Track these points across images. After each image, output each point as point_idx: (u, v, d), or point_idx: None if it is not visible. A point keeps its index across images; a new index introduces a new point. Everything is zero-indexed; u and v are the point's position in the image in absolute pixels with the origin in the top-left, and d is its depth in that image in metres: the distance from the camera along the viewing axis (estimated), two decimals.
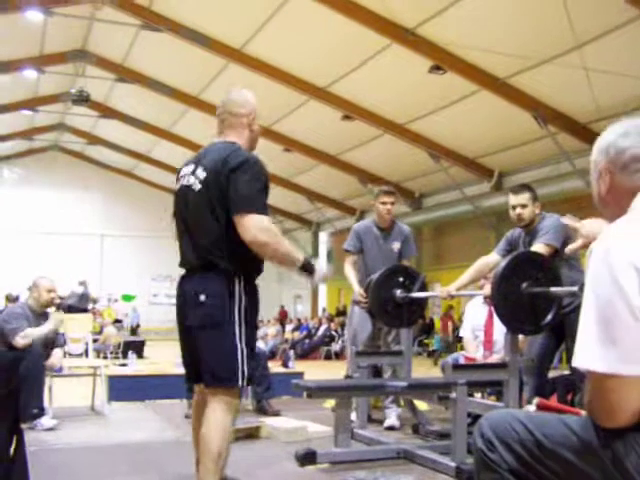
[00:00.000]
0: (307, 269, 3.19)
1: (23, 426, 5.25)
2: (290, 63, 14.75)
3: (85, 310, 19.06)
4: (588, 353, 1.51)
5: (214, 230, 3.07)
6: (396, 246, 5.70)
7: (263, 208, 3.04)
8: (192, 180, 3.17)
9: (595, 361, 1.49)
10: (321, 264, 3.28)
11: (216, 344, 3.04)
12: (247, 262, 3.12)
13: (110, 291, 26.40)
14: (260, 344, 7.91)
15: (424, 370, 7.86)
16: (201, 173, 3.15)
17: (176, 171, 3.39)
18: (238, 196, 3.01)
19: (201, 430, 3.01)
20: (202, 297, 3.04)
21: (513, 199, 4.72)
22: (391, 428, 5.38)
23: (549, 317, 3.88)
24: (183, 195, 3.23)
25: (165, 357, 12.08)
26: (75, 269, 25.33)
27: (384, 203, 5.65)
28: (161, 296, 28.47)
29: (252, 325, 3.16)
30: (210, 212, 3.07)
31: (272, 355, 16.58)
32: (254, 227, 2.98)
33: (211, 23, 14.14)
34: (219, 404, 3.01)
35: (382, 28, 12.06)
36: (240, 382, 3.03)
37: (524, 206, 4.66)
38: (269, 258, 3.09)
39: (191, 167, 3.22)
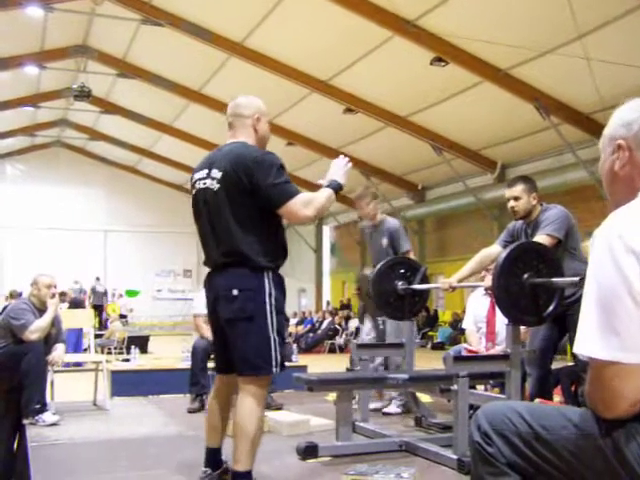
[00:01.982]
0: (338, 189, 3.42)
1: (25, 422, 5.24)
2: (291, 56, 14.71)
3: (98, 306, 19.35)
4: (589, 340, 1.49)
5: (237, 228, 3.22)
6: (384, 242, 5.74)
7: (295, 190, 3.26)
8: (209, 182, 3.30)
9: (596, 348, 1.48)
10: (334, 169, 3.51)
11: (250, 335, 3.22)
12: (272, 255, 3.31)
13: (114, 286, 26.46)
14: None
15: (426, 362, 7.86)
16: (217, 174, 3.28)
17: (190, 178, 3.53)
18: (273, 191, 3.21)
19: (235, 417, 3.20)
20: (235, 292, 3.22)
21: (507, 192, 4.74)
22: (388, 414, 5.54)
23: (551, 308, 3.84)
24: (202, 198, 3.36)
25: (169, 352, 12.09)
26: (79, 265, 25.40)
27: (359, 207, 5.86)
28: (165, 291, 28.53)
29: (282, 314, 3.33)
30: (230, 210, 3.23)
31: None
32: (299, 210, 3.22)
33: (212, 17, 14.10)
34: (251, 391, 3.20)
35: (383, 20, 12.02)
36: (274, 369, 3.24)
37: (517, 198, 4.65)
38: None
39: (205, 171, 3.35)
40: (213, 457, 3.49)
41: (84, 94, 17.27)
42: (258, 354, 3.20)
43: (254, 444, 3.17)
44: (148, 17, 14.59)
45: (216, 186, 3.27)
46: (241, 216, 3.22)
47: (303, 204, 3.23)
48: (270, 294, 3.24)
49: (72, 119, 24.44)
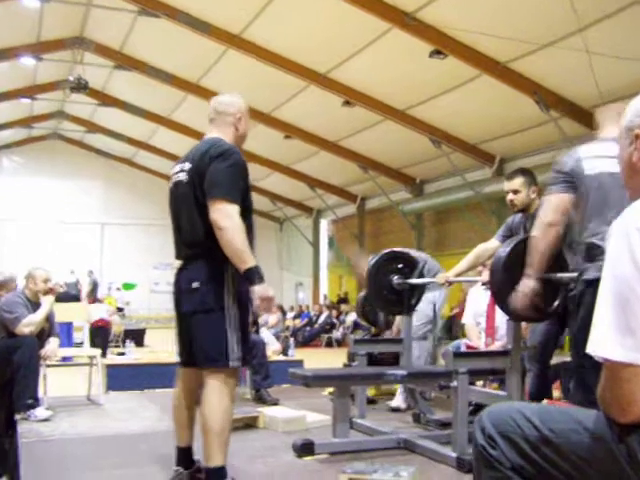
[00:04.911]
0: (250, 277, 3.12)
1: (17, 417, 5.16)
2: (290, 49, 14.60)
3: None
4: (604, 340, 1.41)
5: (200, 219, 3.23)
6: None
7: (234, 196, 3.17)
8: (181, 175, 3.38)
9: (611, 349, 1.40)
10: (266, 290, 3.13)
11: (207, 328, 3.23)
12: None
13: (111, 280, 26.35)
14: (264, 332, 7.86)
15: None
16: (187, 166, 3.36)
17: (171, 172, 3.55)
18: (212, 182, 3.19)
19: (201, 410, 3.17)
20: (195, 284, 3.25)
21: (506, 184, 4.67)
22: (396, 410, 5.56)
23: (555, 304, 3.74)
24: (174, 191, 3.46)
25: (166, 345, 12.02)
26: (76, 258, 25.31)
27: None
28: (162, 284, 28.36)
29: (245, 308, 3.28)
30: (195, 202, 3.26)
31: None
32: (219, 211, 3.12)
33: (209, 8, 13.98)
34: (214, 385, 3.16)
35: (382, 12, 11.90)
36: (231, 362, 3.18)
37: (516, 191, 4.58)
38: (223, 246, 3.13)
39: (180, 165, 3.43)
40: (183, 456, 3.44)
41: (81, 86, 17.12)
42: (215, 347, 3.19)
43: (221, 439, 3.12)
44: (145, 8, 14.45)
45: (185, 178, 3.33)
46: (204, 207, 3.21)
47: (225, 211, 3.11)
48: (230, 287, 3.21)
49: (69, 111, 24.29)
